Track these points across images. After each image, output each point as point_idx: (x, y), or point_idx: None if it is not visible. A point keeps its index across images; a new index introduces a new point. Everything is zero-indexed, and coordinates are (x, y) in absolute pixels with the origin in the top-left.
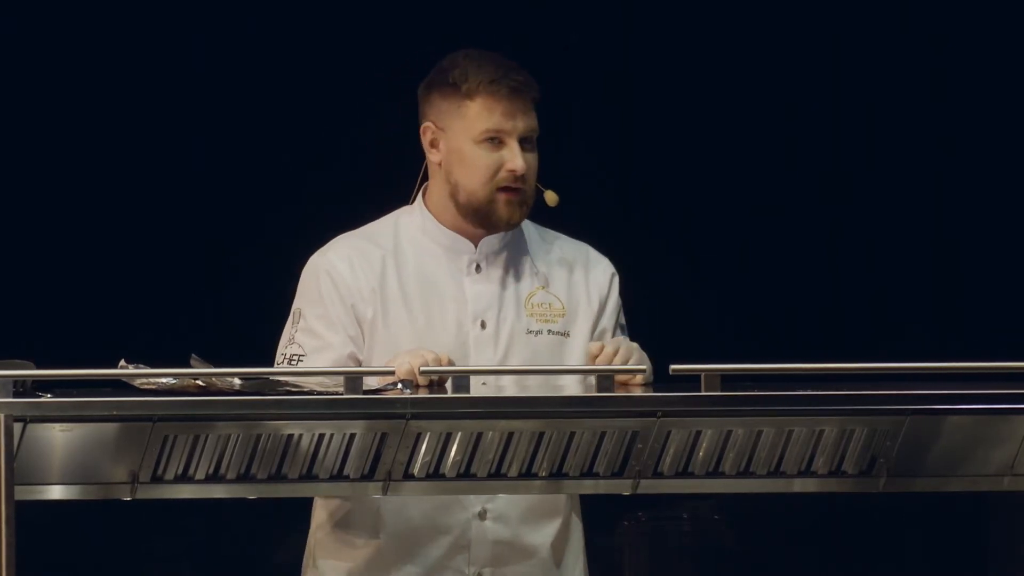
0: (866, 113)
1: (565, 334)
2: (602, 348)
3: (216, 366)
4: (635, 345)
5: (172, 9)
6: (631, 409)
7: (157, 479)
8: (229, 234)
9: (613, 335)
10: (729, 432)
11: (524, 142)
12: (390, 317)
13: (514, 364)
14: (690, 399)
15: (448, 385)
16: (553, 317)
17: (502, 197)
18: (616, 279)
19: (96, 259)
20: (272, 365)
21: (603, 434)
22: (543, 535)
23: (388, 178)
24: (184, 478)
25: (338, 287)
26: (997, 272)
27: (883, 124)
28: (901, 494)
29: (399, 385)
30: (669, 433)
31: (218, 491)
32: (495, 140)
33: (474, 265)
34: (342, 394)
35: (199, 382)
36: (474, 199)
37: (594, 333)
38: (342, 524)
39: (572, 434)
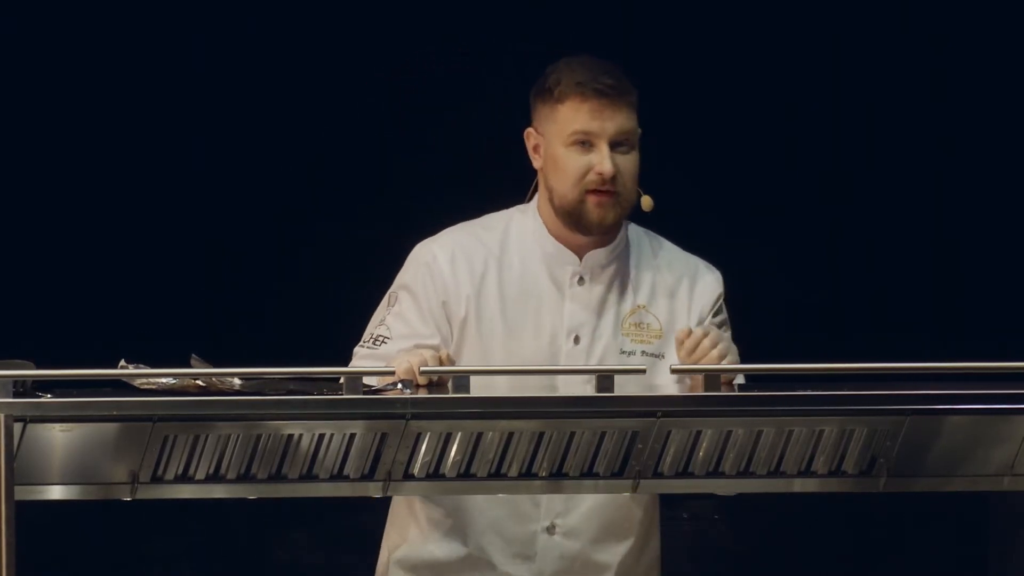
0: (866, 113)
1: (660, 356)
2: (690, 332)
3: (216, 366)
4: (727, 336)
5: (174, 6)
6: (631, 409)
7: (157, 479)
8: (229, 234)
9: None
10: (729, 432)
11: (618, 145)
12: (484, 320)
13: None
14: (690, 399)
15: (448, 385)
16: (649, 338)
17: (592, 199)
18: (721, 298)
19: (96, 259)
20: (278, 365)
21: (603, 434)
22: (613, 553)
23: (388, 181)
24: (184, 478)
25: (435, 281)
26: (997, 272)
27: (883, 124)
28: (901, 494)
29: (399, 385)
30: (669, 433)
31: (218, 491)
32: (585, 143)
33: (577, 277)
34: (342, 394)
35: (199, 382)
36: (565, 202)
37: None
38: (414, 522)
39: (572, 434)
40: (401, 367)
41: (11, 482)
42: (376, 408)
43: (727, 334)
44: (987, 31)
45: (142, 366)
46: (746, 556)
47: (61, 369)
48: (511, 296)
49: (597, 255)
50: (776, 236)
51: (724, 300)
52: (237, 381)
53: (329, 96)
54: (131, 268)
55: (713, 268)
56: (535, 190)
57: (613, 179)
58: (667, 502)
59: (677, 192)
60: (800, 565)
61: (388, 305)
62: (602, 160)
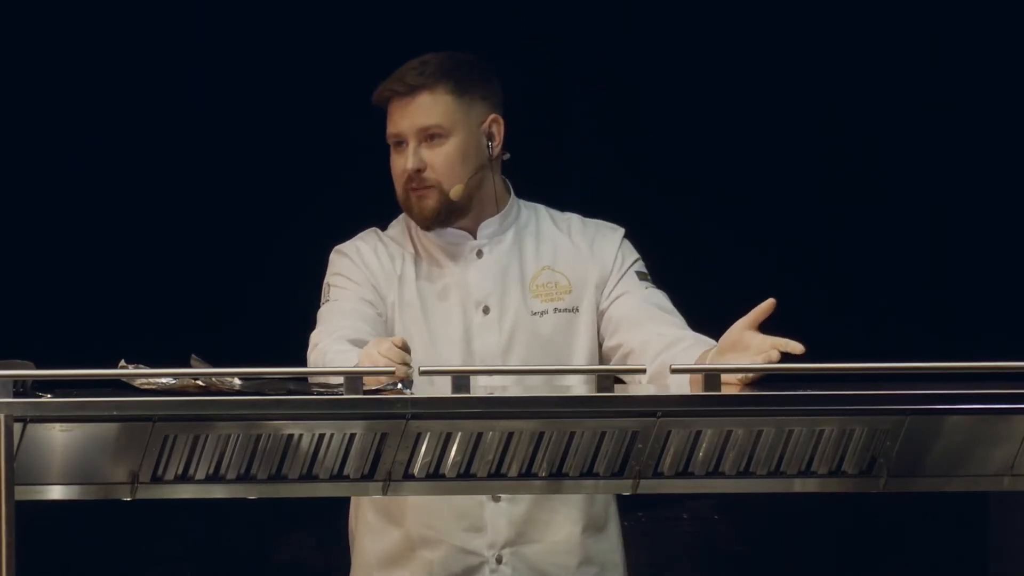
0: (867, 112)
1: (574, 310)
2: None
3: (216, 366)
4: (652, 287)
5: (179, 6)
6: (631, 409)
7: (157, 479)
8: (229, 234)
9: (634, 292)
10: (729, 432)
11: (427, 138)
12: (405, 306)
13: (519, 348)
14: (690, 399)
15: (448, 385)
16: (559, 295)
17: (412, 195)
18: (626, 241)
19: (96, 259)
20: (278, 365)
21: (603, 434)
22: (564, 512)
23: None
24: (184, 478)
25: (361, 270)
26: (997, 272)
27: (884, 123)
28: (901, 494)
29: (399, 385)
30: (669, 433)
31: (218, 491)
32: (401, 143)
33: (476, 251)
34: (342, 394)
35: (199, 382)
36: (400, 202)
37: (603, 296)
38: (368, 512)
39: (572, 434)
40: (398, 371)
41: (11, 482)
42: (376, 408)
43: (649, 283)
44: (988, 31)
45: (142, 366)
46: (746, 556)
47: (61, 369)
48: (425, 282)
49: (490, 225)
50: (776, 236)
51: (626, 238)
52: (237, 381)
53: (331, 101)
54: (131, 268)
55: (616, 226)
56: None
57: (421, 173)
58: (667, 502)
59: (674, 191)
60: (800, 565)
61: (324, 295)
62: (406, 159)
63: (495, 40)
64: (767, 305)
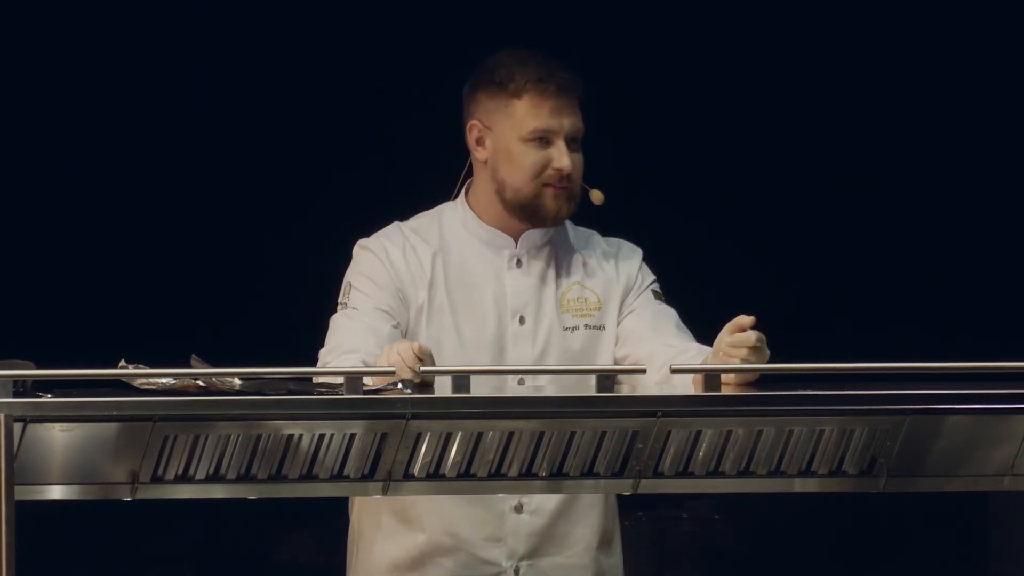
0: (867, 112)
1: (601, 327)
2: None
3: (216, 366)
4: (666, 306)
5: (179, 6)
6: (631, 409)
7: (157, 479)
8: (229, 234)
9: (646, 307)
10: (729, 432)
11: (570, 141)
12: (434, 310)
13: (551, 361)
14: (690, 399)
15: (448, 385)
16: (589, 311)
17: (549, 192)
18: (644, 263)
19: (96, 259)
20: (278, 365)
21: (603, 434)
22: (582, 527)
23: (392, 182)
24: (184, 478)
25: (388, 271)
26: (997, 271)
27: (883, 122)
28: (901, 494)
29: (399, 385)
30: (669, 433)
31: (218, 491)
32: (542, 139)
33: (515, 260)
34: (342, 394)
35: (199, 382)
36: (520, 195)
37: (621, 313)
38: (383, 515)
39: (572, 434)
40: (402, 371)
41: (11, 482)
42: (376, 408)
43: (662, 302)
44: (987, 31)
45: (142, 366)
46: (746, 556)
47: (61, 369)
48: (455, 285)
49: (532, 236)
50: (776, 236)
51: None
52: (237, 381)
53: (334, 100)
54: (131, 268)
55: (635, 247)
56: (461, 184)
57: (568, 175)
58: (667, 502)
59: (673, 191)
60: (800, 565)
61: (344, 294)
62: (561, 156)
63: (495, 40)
64: (746, 321)
